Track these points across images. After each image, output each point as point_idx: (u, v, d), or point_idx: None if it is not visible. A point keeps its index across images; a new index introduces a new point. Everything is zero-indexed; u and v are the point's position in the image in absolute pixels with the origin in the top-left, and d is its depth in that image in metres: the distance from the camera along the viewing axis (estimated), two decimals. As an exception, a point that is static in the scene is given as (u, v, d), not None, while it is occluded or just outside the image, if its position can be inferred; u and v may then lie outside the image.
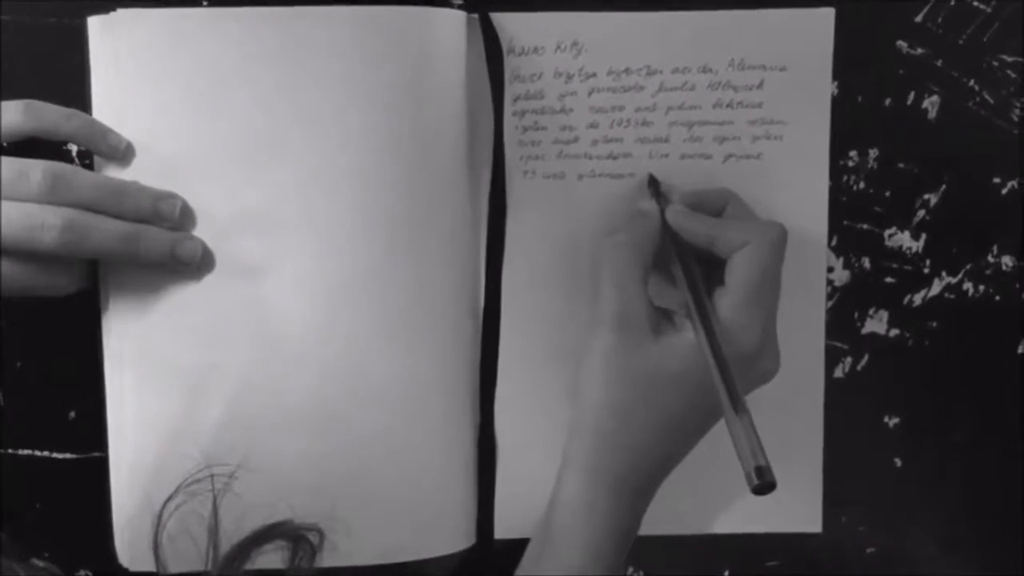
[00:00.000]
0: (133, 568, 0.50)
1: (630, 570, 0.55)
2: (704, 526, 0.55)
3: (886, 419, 0.55)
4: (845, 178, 0.54)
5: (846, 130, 0.53)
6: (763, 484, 0.40)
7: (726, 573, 0.56)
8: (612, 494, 0.47)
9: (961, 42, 0.53)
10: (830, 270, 0.54)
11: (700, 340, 0.45)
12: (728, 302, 0.46)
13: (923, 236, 0.54)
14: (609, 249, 0.48)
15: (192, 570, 0.45)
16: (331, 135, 0.49)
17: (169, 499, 0.46)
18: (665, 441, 0.47)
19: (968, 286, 0.55)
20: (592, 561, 0.47)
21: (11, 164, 0.44)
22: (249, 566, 0.44)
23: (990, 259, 0.54)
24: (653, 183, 0.52)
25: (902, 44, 0.53)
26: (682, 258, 0.48)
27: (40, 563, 0.46)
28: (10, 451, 0.53)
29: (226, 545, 0.44)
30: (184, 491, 0.46)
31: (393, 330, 0.50)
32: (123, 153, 0.48)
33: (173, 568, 0.44)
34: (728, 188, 0.51)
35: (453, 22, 0.50)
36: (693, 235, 0.48)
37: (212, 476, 0.47)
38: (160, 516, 0.45)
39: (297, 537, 0.45)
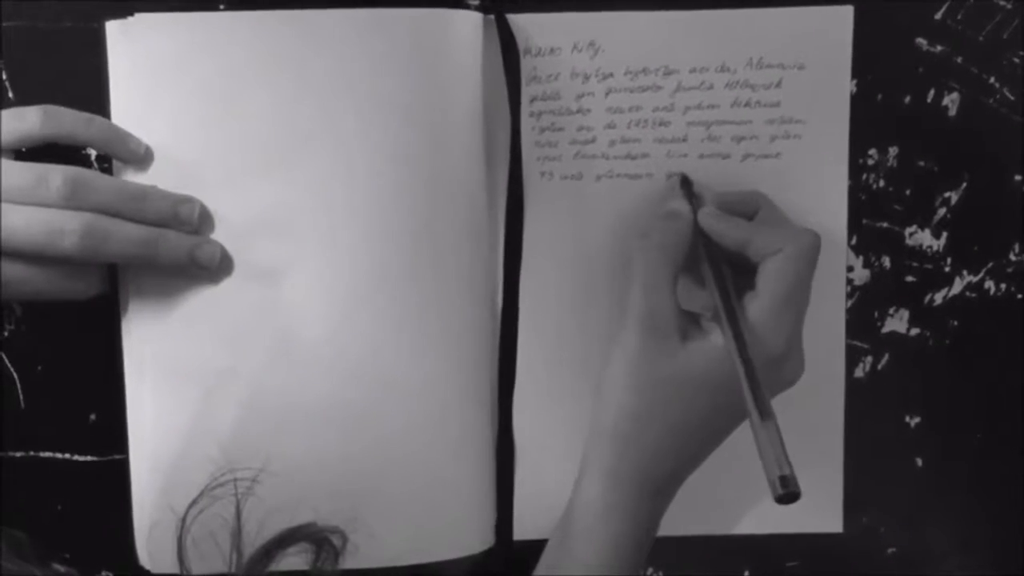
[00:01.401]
0: (154, 570, 0.50)
1: (650, 570, 0.55)
2: (724, 526, 0.55)
3: (907, 419, 0.55)
4: (865, 176, 0.53)
5: (865, 128, 0.53)
6: (787, 494, 0.40)
7: (746, 573, 0.56)
8: (632, 496, 0.47)
9: (981, 39, 0.52)
10: (850, 269, 0.54)
11: (728, 345, 0.44)
12: (758, 307, 0.46)
13: (944, 234, 0.54)
14: (639, 251, 0.48)
15: (216, 573, 0.45)
16: (348, 137, 0.49)
17: (193, 503, 0.46)
18: (686, 444, 0.47)
19: (989, 284, 0.54)
20: (611, 562, 0.47)
21: (30, 169, 0.45)
22: (272, 568, 0.44)
23: (1012, 257, 0.54)
24: (686, 183, 0.51)
25: (921, 41, 0.52)
26: (712, 261, 0.48)
27: (61, 568, 0.46)
28: (31, 453, 0.53)
29: (249, 548, 0.44)
30: (207, 495, 0.46)
31: (411, 332, 0.50)
32: (142, 157, 0.49)
33: (196, 571, 0.45)
34: (761, 191, 0.51)
35: (469, 23, 0.50)
36: (725, 238, 0.48)
37: (235, 480, 0.47)
38: (184, 520, 0.45)
39: (320, 539, 0.45)
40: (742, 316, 0.46)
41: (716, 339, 0.46)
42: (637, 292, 0.47)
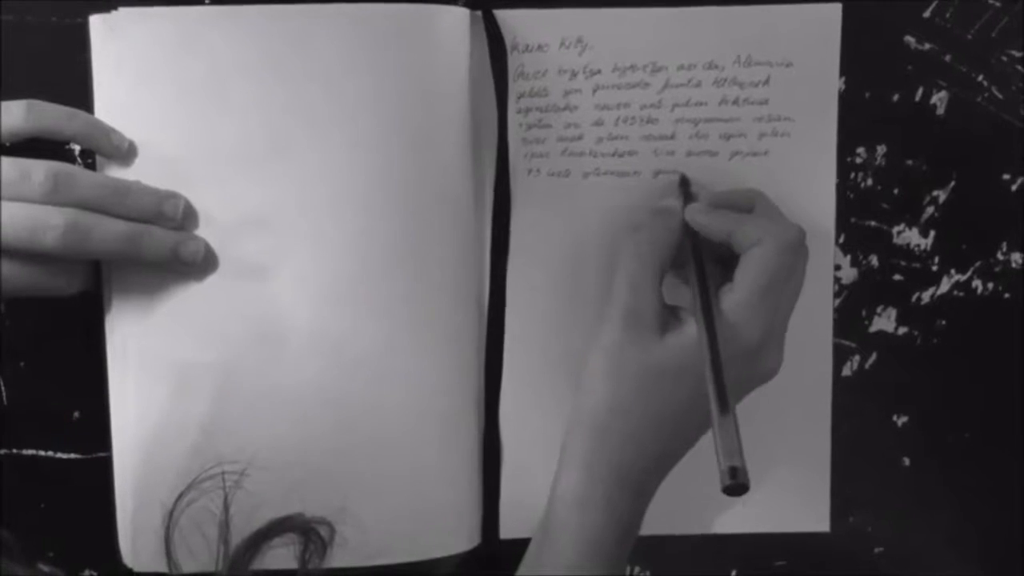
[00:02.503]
0: (137, 568, 0.50)
1: (636, 569, 0.55)
2: (711, 526, 0.55)
3: (894, 418, 0.55)
4: (853, 175, 0.53)
5: (854, 127, 0.53)
6: (735, 484, 0.40)
7: (733, 573, 0.56)
8: (610, 489, 0.47)
9: (970, 37, 0.52)
10: (838, 268, 0.54)
11: (700, 337, 0.45)
12: (732, 299, 0.46)
13: (931, 233, 0.54)
14: (628, 244, 0.48)
15: (203, 568, 0.45)
16: (334, 133, 0.48)
17: (180, 496, 0.46)
18: (664, 437, 0.47)
19: (977, 283, 0.54)
20: (591, 558, 0.46)
21: (13, 164, 0.44)
22: (260, 561, 0.44)
23: (999, 256, 0.54)
24: (684, 183, 0.51)
25: (910, 39, 0.52)
26: (695, 254, 0.48)
27: (46, 568, 0.46)
28: (14, 451, 0.53)
29: (236, 540, 0.44)
30: (195, 488, 0.46)
31: (397, 330, 0.50)
32: (125, 153, 0.48)
33: (184, 565, 0.44)
34: (757, 189, 0.51)
35: (457, 19, 0.50)
36: (710, 232, 0.48)
37: (223, 473, 0.47)
38: (172, 513, 0.45)
39: (307, 531, 0.45)
40: (716, 309, 0.46)
41: (692, 331, 0.46)
42: (622, 286, 0.47)
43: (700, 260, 0.47)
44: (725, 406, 0.42)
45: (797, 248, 0.47)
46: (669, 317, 0.47)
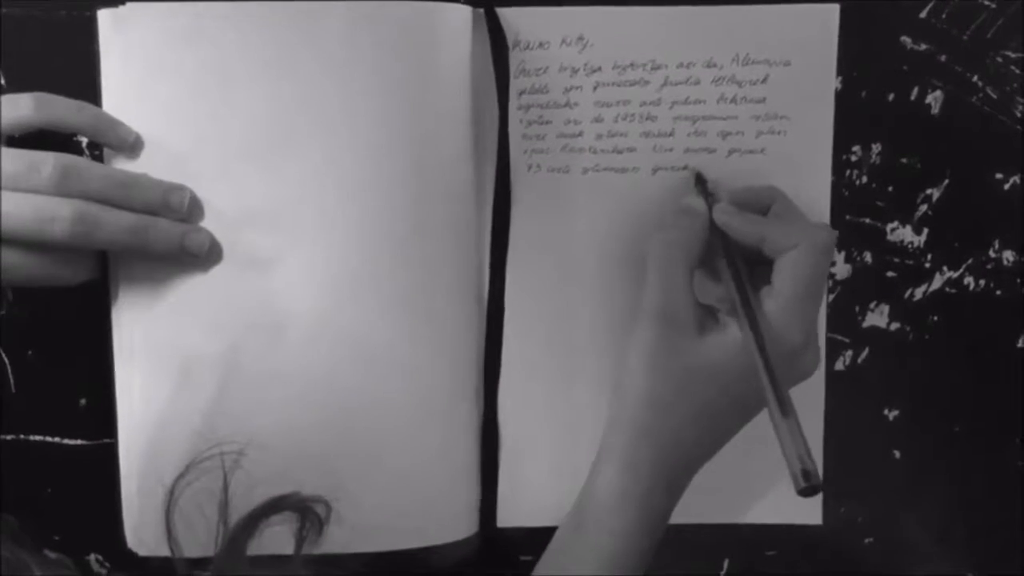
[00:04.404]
0: (142, 553, 0.51)
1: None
2: (704, 516, 0.55)
3: (886, 412, 0.56)
4: (848, 173, 0.54)
5: (849, 125, 0.53)
6: (810, 487, 0.40)
7: (726, 563, 0.56)
8: (648, 485, 0.47)
9: (965, 38, 0.53)
10: (832, 264, 0.54)
11: (747, 341, 0.45)
12: (774, 304, 0.46)
13: (925, 231, 0.54)
14: (656, 245, 0.48)
15: (204, 547, 0.45)
16: (338, 128, 0.49)
17: (180, 477, 0.46)
18: (703, 434, 0.47)
19: (969, 280, 0.55)
20: (626, 551, 0.47)
21: (21, 156, 0.45)
22: (258, 541, 0.44)
23: (991, 254, 0.55)
24: (700, 181, 0.52)
25: (906, 39, 0.53)
26: (729, 257, 0.48)
27: (52, 554, 0.46)
28: (21, 437, 0.53)
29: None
30: (194, 468, 0.46)
31: (399, 321, 0.50)
32: (132, 145, 0.49)
33: (184, 544, 0.45)
34: (775, 186, 0.51)
35: (459, 17, 0.50)
36: (741, 235, 0.48)
37: (222, 453, 0.47)
38: (171, 493, 0.46)
39: (304, 508, 0.45)
40: (760, 312, 0.46)
41: (733, 332, 0.46)
42: (653, 286, 0.47)
43: (734, 261, 0.48)
44: (786, 409, 0.42)
45: (830, 250, 0.47)
46: (706, 317, 0.48)
